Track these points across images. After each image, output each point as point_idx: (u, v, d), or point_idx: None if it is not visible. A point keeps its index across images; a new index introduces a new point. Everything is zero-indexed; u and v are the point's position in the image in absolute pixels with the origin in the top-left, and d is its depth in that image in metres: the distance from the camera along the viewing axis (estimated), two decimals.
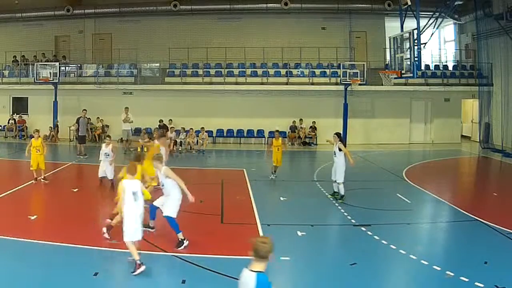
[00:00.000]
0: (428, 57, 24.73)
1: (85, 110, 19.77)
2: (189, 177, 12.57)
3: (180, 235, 7.97)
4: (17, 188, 11.97)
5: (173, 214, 7.97)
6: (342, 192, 11.26)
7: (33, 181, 12.55)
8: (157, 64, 25.03)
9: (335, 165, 11.33)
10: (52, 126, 23.71)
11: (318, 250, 8.22)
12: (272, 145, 14.37)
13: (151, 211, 8.51)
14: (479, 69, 23.81)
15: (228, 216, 10.06)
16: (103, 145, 12.62)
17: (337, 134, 11.45)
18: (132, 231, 6.83)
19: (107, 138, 13.07)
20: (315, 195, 12.01)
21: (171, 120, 22.41)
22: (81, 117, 19.54)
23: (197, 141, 21.08)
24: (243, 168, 15.90)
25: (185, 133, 21.65)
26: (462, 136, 25.71)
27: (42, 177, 12.68)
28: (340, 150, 11.15)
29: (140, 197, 6.99)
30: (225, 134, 24.18)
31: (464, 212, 10.47)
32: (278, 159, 13.96)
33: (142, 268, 6.70)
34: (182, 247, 7.85)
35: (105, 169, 12.21)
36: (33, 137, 12.90)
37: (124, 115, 20.32)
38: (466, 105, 25.60)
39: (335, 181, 11.39)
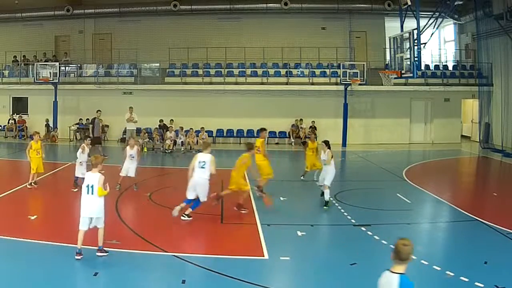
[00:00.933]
0: (428, 57, 24.74)
1: (99, 110, 19.47)
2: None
3: (188, 210, 9.28)
4: (17, 188, 11.97)
5: (203, 199, 9.39)
6: (327, 198, 10.79)
7: (29, 186, 12.06)
8: (157, 64, 25.05)
9: (324, 171, 11.15)
10: (51, 126, 23.72)
11: (318, 250, 8.22)
12: (307, 148, 13.71)
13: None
14: (479, 69, 23.81)
15: (228, 216, 10.05)
16: (84, 145, 12.11)
17: (325, 142, 11.33)
18: (81, 221, 7.15)
19: (88, 139, 12.99)
20: (315, 195, 11.99)
21: (172, 120, 22.40)
22: (95, 117, 19.20)
23: (197, 141, 21.08)
24: None
25: (184, 133, 21.65)
26: (462, 136, 25.71)
27: (34, 180, 12.16)
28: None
29: (95, 191, 7.10)
30: (225, 134, 24.18)
31: (464, 212, 10.46)
32: (316, 163, 13.27)
33: (79, 257, 7.07)
34: (176, 213, 9.15)
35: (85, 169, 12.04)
36: (33, 138, 12.44)
37: (128, 115, 20.19)
38: (466, 105, 25.60)
39: (322, 185, 11.05)
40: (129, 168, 12.22)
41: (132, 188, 12.11)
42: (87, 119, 23.78)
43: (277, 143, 23.93)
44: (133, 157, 12.28)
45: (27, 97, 25.12)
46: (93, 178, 7.14)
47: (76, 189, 11.97)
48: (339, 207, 10.81)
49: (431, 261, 7.26)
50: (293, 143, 23.45)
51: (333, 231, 9.66)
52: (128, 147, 12.50)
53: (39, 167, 12.16)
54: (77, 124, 24.03)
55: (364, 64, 22.98)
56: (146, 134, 21.54)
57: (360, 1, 24.81)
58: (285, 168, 18.42)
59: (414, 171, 16.05)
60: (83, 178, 11.77)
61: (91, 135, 18.52)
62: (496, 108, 22.42)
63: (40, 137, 12.85)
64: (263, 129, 12.57)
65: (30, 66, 24.87)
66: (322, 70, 24.58)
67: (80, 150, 12.05)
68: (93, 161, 7.41)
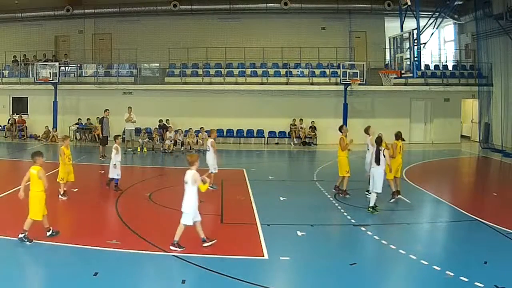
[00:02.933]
0: (428, 57, 24.73)
1: (107, 110, 19.29)
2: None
3: None
4: (17, 188, 11.90)
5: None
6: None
7: (61, 197, 10.99)
8: (157, 64, 25.02)
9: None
10: (52, 126, 23.69)
11: (318, 250, 8.21)
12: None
13: None
14: (478, 69, 23.80)
15: (228, 216, 10.06)
16: (117, 146, 11.89)
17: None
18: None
19: (119, 137, 12.62)
20: (315, 195, 12.00)
21: (168, 119, 22.35)
22: (104, 117, 19.00)
23: (197, 141, 21.08)
24: (243, 168, 15.90)
25: (183, 134, 21.66)
26: (462, 136, 25.71)
27: (62, 192, 11.07)
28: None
29: (187, 187, 7.66)
30: (225, 134, 24.16)
31: (464, 212, 10.46)
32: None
33: (212, 242, 7.79)
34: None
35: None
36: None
37: (127, 115, 20.14)
38: (466, 105, 25.60)
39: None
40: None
41: (132, 188, 12.10)
42: (88, 118, 23.80)
43: (277, 143, 23.93)
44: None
45: (27, 97, 25.10)
46: (187, 175, 7.67)
47: (76, 189, 11.98)
48: (339, 207, 10.81)
49: (431, 261, 7.26)
50: (292, 144, 23.40)
51: (333, 231, 9.66)
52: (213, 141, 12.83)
53: (70, 175, 11.18)
54: (76, 124, 24.02)
55: (364, 64, 22.96)
56: (146, 134, 21.54)
57: (360, 1, 24.81)
58: (284, 168, 18.45)
59: (414, 171, 16.02)
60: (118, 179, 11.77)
61: (101, 135, 18.59)
62: (496, 108, 22.41)
63: (69, 139, 11.95)
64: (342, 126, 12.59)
65: (30, 66, 24.85)
66: (322, 70, 24.57)
67: (114, 151, 11.77)
68: (189, 159, 7.83)
